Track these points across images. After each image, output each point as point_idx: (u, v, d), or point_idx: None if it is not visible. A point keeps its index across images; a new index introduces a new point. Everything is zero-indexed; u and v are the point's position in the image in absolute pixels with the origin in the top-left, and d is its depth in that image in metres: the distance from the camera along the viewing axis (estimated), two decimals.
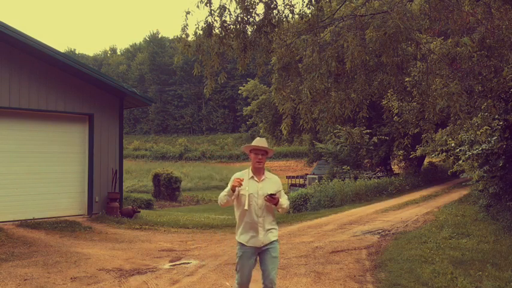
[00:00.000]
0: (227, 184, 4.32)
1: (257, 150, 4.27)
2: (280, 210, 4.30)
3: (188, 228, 11.25)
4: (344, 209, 15.56)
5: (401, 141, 10.74)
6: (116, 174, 12.28)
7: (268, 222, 4.25)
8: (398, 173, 26.18)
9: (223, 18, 7.13)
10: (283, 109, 8.51)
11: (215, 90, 8.73)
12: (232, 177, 4.31)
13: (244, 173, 4.30)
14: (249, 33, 7.50)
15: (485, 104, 8.48)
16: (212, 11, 7.04)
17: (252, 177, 4.26)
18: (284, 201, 4.30)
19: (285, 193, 4.60)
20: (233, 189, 4.10)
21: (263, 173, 4.32)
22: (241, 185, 4.08)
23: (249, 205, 4.15)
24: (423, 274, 6.06)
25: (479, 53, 6.94)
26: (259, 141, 4.31)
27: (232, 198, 4.15)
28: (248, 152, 4.37)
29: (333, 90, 8.29)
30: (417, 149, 18.42)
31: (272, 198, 4.10)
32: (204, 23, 7.11)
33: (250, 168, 4.32)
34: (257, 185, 4.23)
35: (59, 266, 6.74)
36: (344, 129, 17.99)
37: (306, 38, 8.10)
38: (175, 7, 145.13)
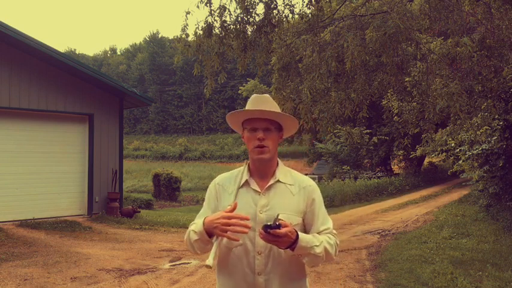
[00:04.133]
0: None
1: (254, 121, 1.93)
2: (305, 260, 1.85)
3: (188, 228, 11.24)
4: (344, 209, 15.56)
5: (401, 141, 10.80)
6: (116, 174, 12.28)
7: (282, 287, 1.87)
8: (398, 173, 26.20)
9: (223, 18, 7.16)
10: (283, 109, 8.52)
11: (215, 90, 8.75)
12: (211, 186, 2.04)
13: (235, 175, 2.00)
14: (249, 33, 7.53)
15: (485, 104, 8.49)
16: (212, 11, 7.07)
17: (247, 182, 1.94)
18: (314, 239, 1.82)
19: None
20: (209, 234, 1.86)
21: (272, 173, 1.96)
22: (241, 228, 1.74)
23: (236, 247, 1.90)
24: (423, 274, 6.06)
25: (479, 53, 6.95)
26: (257, 101, 1.95)
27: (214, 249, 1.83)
28: (240, 128, 2.03)
29: (333, 90, 8.32)
30: (417, 149, 18.44)
31: (270, 235, 1.69)
32: (204, 23, 7.13)
33: (246, 163, 2.00)
34: (257, 201, 1.90)
35: (59, 266, 6.73)
36: (344, 129, 18.00)
37: (306, 38, 8.12)
38: (175, 7, 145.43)
